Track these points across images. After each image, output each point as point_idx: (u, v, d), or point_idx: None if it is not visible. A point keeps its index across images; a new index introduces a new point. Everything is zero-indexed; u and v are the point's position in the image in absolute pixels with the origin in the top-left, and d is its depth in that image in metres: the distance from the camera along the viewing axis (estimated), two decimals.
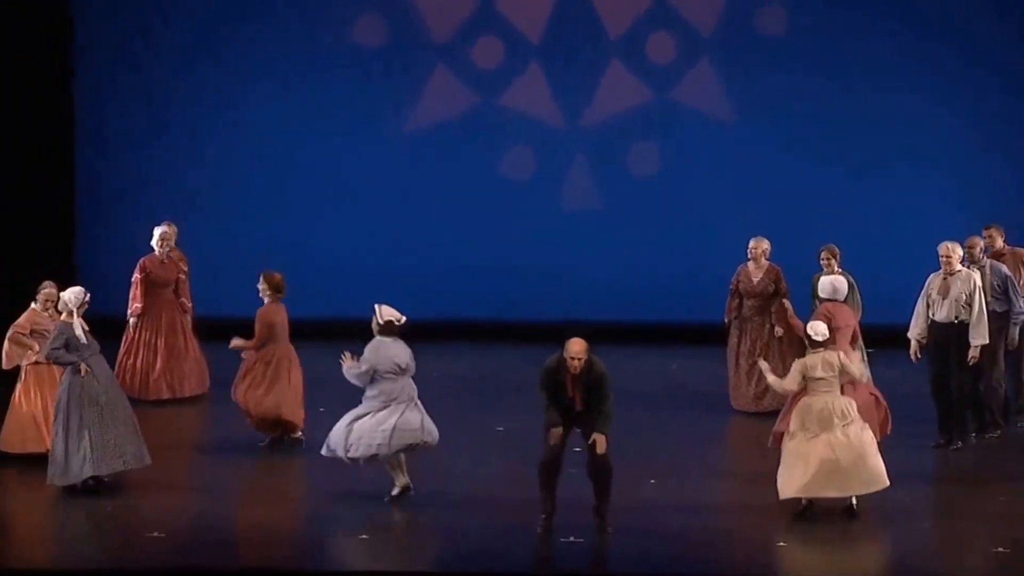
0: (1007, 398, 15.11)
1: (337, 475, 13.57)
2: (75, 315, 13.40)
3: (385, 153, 19.60)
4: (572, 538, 12.12)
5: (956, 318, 14.19)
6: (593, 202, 19.73)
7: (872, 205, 19.03)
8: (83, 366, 13.29)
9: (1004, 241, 15.45)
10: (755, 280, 16.04)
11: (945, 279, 14.25)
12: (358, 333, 17.46)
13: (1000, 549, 12.10)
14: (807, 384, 12.66)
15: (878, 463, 12.59)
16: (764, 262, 16.06)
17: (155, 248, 16.41)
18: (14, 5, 18.93)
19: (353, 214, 19.55)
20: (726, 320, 16.15)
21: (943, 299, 14.23)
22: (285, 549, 12.37)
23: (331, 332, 18.91)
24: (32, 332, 14.15)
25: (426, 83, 19.63)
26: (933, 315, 14.32)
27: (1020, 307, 14.73)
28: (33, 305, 14.27)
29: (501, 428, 15.49)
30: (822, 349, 12.73)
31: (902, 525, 12.79)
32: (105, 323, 15.24)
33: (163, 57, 19.58)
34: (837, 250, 15.31)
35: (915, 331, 14.48)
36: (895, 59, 19.19)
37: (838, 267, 15.14)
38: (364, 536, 12.30)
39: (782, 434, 12.92)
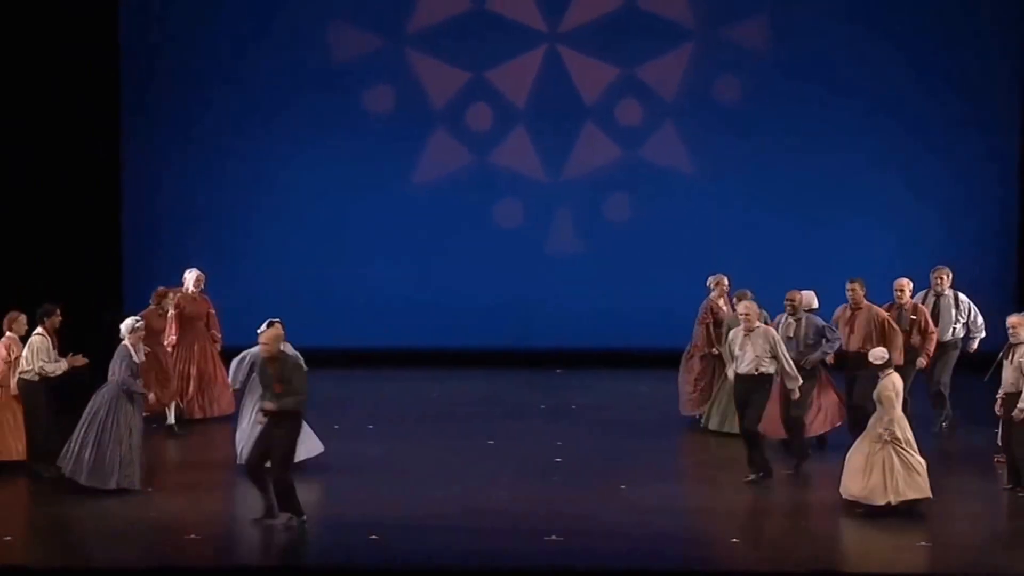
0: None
1: (342, 481, 13.59)
2: (128, 341, 13.40)
3: (392, 204, 19.57)
4: (554, 536, 12.04)
5: (757, 370, 13.40)
6: (573, 246, 19.71)
7: (817, 252, 18.93)
8: (152, 395, 13.32)
9: (865, 295, 14.74)
10: (726, 309, 15.98)
11: (747, 335, 13.45)
12: (371, 360, 17.73)
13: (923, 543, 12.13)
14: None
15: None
16: (723, 297, 16.03)
17: (189, 287, 16.38)
18: (64, 53, 18.80)
19: (365, 257, 19.49)
20: (715, 351, 15.57)
21: (744, 352, 13.46)
22: (300, 549, 12.22)
23: (345, 360, 19.12)
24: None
25: (427, 144, 19.63)
26: (737, 368, 13.53)
27: (833, 342, 14.19)
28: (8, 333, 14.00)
29: (491, 441, 15.46)
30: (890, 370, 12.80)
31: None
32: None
33: (202, 120, 19.56)
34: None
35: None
36: (838, 125, 19.19)
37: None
38: (373, 536, 12.21)
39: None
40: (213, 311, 16.49)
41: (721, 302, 15.95)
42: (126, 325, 13.55)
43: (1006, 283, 19.07)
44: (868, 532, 12.42)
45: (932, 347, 14.91)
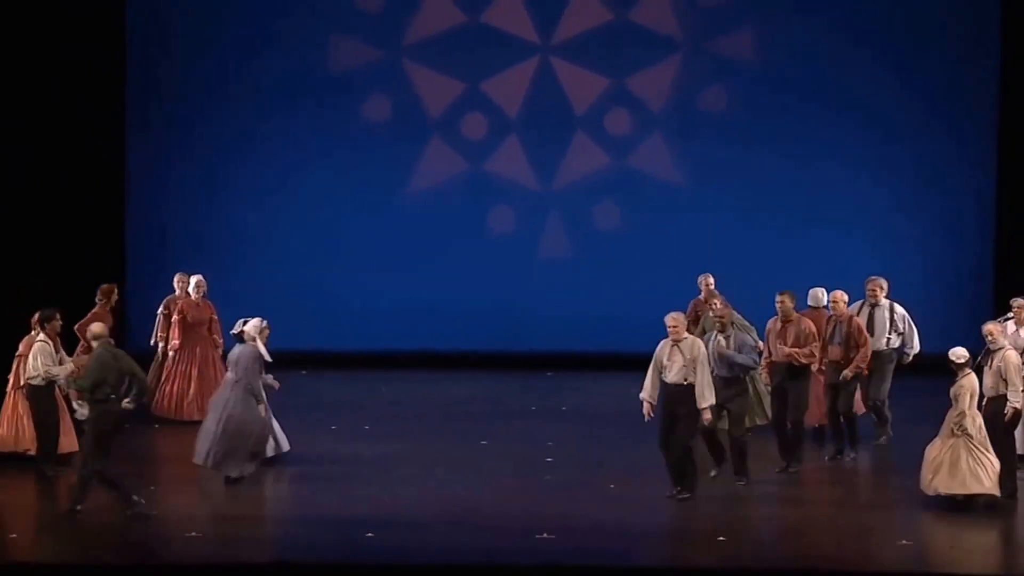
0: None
1: (339, 480, 13.59)
2: (258, 341, 13.61)
3: (389, 210, 19.58)
4: (545, 534, 12.03)
5: (685, 380, 12.83)
6: (564, 251, 19.72)
7: (801, 258, 18.84)
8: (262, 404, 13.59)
9: (795, 307, 14.31)
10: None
11: (675, 345, 12.93)
12: (368, 363, 17.72)
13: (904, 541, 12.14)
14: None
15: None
16: (714, 295, 16.00)
17: (191, 293, 16.31)
18: (69, 59, 18.79)
19: (362, 261, 19.47)
20: None
21: (671, 362, 12.93)
22: (299, 544, 12.22)
23: (342, 362, 19.14)
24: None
25: (423, 152, 19.64)
26: (665, 377, 12.94)
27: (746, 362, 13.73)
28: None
29: (485, 442, 15.45)
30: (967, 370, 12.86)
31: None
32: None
33: (205, 127, 19.55)
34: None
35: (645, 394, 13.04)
36: (822, 134, 19.23)
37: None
38: (370, 534, 12.20)
39: None
40: (216, 317, 16.44)
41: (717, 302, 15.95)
42: (254, 326, 13.71)
43: (983, 288, 19.10)
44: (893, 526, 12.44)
45: (865, 359, 14.43)
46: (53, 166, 18.96)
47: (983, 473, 12.70)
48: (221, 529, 12.47)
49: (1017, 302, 14.73)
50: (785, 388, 14.03)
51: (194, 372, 16.17)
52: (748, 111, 19.36)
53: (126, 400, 12.43)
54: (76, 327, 15.36)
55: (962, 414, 12.74)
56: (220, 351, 16.35)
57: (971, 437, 12.73)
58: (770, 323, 14.28)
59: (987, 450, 12.77)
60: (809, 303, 15.04)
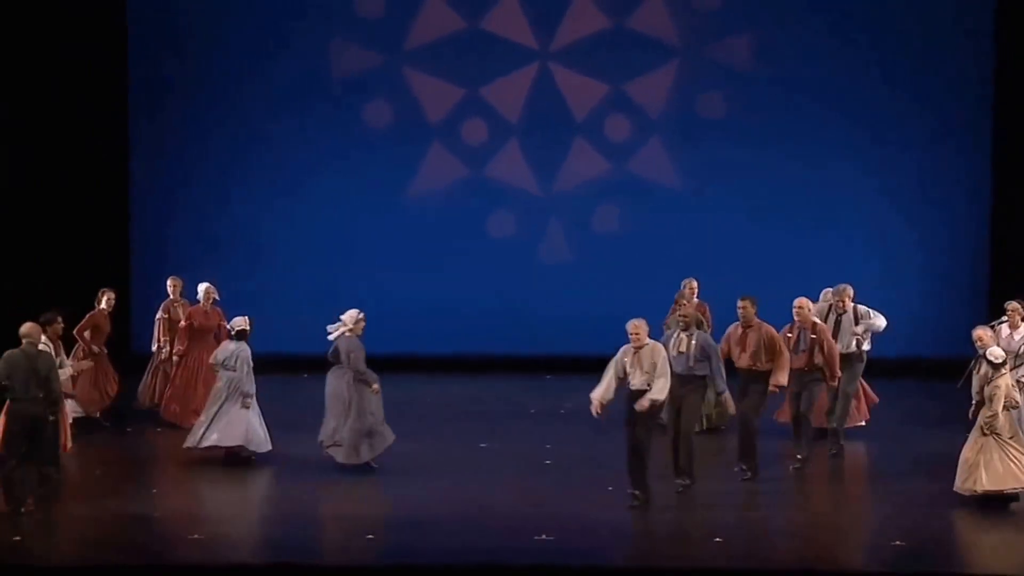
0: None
1: (339, 482, 13.65)
2: (355, 332, 14.16)
3: (391, 215, 19.61)
4: (544, 535, 12.07)
5: (648, 385, 12.78)
6: (564, 255, 19.76)
7: (799, 262, 18.89)
8: (375, 385, 14.17)
9: (756, 312, 14.08)
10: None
11: (636, 352, 12.87)
12: (368, 365, 17.56)
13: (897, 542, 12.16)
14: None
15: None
16: (694, 299, 16.14)
17: (199, 300, 16.24)
18: (70, 62, 18.85)
19: (364, 265, 19.50)
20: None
21: (634, 369, 12.86)
22: (300, 545, 12.24)
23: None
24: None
25: (424, 157, 19.68)
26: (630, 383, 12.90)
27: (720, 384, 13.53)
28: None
29: (484, 444, 15.51)
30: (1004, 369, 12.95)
31: None
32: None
33: (208, 134, 19.60)
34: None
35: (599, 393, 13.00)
36: (819, 139, 19.27)
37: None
38: (370, 535, 12.25)
39: None
40: (225, 323, 16.36)
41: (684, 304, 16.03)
42: (350, 316, 14.18)
43: (978, 292, 19.14)
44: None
45: (836, 367, 14.29)
46: (56, 168, 19.02)
47: (1017, 469, 12.81)
48: (222, 531, 12.48)
49: (1011, 305, 14.78)
50: (747, 392, 14.00)
51: (199, 379, 16.04)
52: (746, 116, 19.39)
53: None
54: (75, 330, 15.45)
55: (995, 415, 12.81)
56: None
57: (999, 435, 12.83)
58: (731, 328, 14.14)
59: (1020, 446, 12.85)
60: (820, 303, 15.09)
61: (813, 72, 19.30)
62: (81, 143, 19.03)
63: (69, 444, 13.48)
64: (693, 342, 13.44)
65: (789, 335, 14.28)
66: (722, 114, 19.49)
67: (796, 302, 14.45)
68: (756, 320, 14.01)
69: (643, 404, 12.74)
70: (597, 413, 12.93)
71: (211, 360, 14.84)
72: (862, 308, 15.20)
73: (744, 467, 14.00)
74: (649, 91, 19.49)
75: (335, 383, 14.25)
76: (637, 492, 12.94)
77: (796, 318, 14.35)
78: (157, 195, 19.65)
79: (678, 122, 19.54)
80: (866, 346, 15.12)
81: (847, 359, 14.85)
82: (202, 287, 16.30)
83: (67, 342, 14.63)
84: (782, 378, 13.80)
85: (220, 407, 14.41)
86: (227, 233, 19.60)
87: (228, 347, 14.58)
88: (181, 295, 16.61)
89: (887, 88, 19.28)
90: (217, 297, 16.31)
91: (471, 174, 19.72)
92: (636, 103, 19.52)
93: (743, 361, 13.94)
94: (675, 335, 13.62)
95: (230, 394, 14.44)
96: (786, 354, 13.97)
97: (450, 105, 19.59)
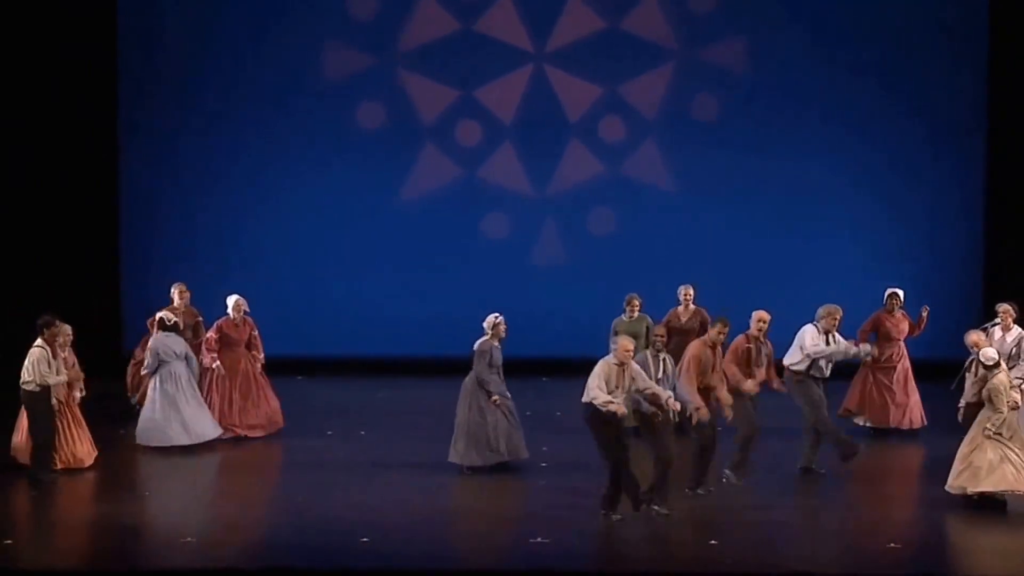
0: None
1: (334, 485, 13.62)
2: (495, 336, 14.32)
3: (384, 216, 19.59)
4: (540, 539, 12.08)
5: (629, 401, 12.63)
6: (558, 257, 19.76)
7: (791, 265, 18.99)
8: (495, 396, 14.33)
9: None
10: (683, 320, 16.08)
11: (620, 366, 12.65)
12: (362, 368, 17.69)
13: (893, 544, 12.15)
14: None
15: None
16: (691, 306, 16.14)
17: (229, 313, 15.86)
18: (60, 65, 18.81)
19: (356, 267, 19.51)
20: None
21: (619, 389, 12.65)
22: (294, 549, 12.16)
23: (337, 368, 19.14)
24: None
25: (417, 159, 19.67)
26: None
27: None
28: None
29: None
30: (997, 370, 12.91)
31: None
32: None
33: (199, 135, 19.56)
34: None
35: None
36: (812, 143, 19.28)
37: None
38: (364, 539, 12.23)
39: None
40: (257, 332, 16.02)
41: (680, 310, 15.97)
42: (487, 321, 14.41)
43: (972, 296, 19.15)
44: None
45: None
46: (44, 169, 18.99)
47: (1014, 472, 12.79)
48: (214, 535, 12.44)
49: (1002, 307, 14.74)
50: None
51: (235, 390, 15.74)
52: (741, 118, 19.41)
53: None
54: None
55: (1002, 417, 12.79)
56: (260, 365, 15.99)
57: (1001, 436, 12.81)
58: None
59: (1018, 447, 12.83)
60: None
61: (807, 75, 19.33)
62: (70, 144, 19.02)
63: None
64: (670, 365, 13.31)
65: (748, 346, 13.83)
66: (716, 117, 19.50)
67: (755, 315, 13.86)
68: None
69: (675, 405, 12.70)
70: (622, 412, 12.50)
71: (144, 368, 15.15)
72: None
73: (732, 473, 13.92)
74: (643, 93, 19.49)
75: (469, 384, 14.40)
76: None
77: (756, 331, 13.78)
78: (148, 197, 19.59)
79: (672, 124, 19.54)
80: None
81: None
82: (231, 299, 15.92)
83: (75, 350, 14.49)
84: (721, 390, 13.36)
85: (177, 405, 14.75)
86: (218, 235, 19.56)
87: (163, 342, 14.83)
88: (190, 304, 16.36)
89: (881, 92, 19.31)
90: (247, 309, 15.97)
91: (465, 176, 19.70)
92: (630, 105, 19.51)
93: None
94: (659, 358, 13.32)
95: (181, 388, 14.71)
96: (728, 365, 13.63)
97: (444, 107, 19.58)
